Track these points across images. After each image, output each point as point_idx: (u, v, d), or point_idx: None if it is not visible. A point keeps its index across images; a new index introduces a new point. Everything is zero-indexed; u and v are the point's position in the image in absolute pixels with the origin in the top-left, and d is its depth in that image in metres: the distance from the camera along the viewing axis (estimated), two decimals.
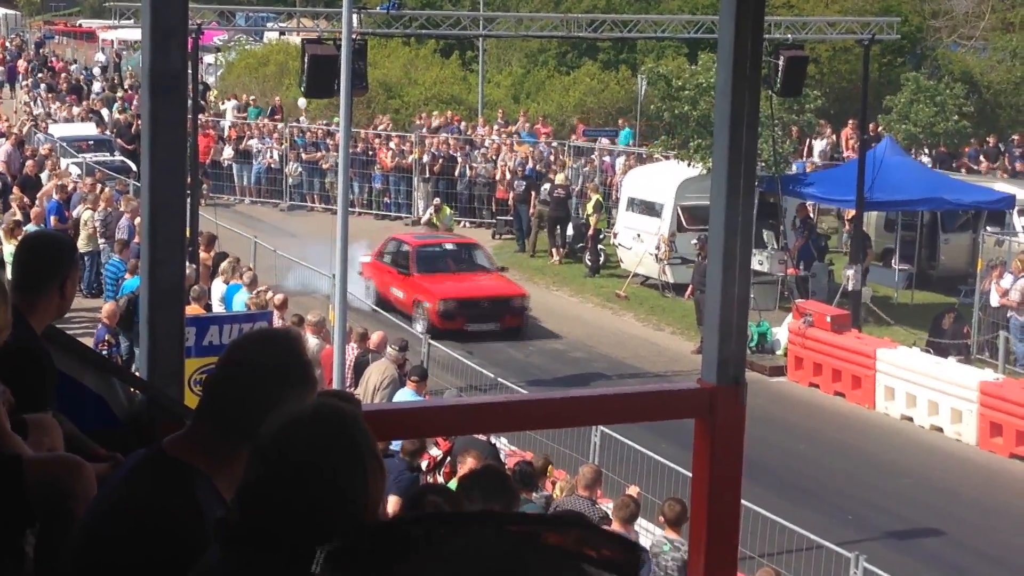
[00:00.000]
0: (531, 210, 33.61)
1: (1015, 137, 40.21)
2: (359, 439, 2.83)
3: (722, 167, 5.57)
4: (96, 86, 52.37)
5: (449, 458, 13.99)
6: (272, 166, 38.35)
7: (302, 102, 38.89)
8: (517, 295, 26.93)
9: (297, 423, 2.82)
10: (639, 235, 30.23)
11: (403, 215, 36.44)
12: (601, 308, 27.91)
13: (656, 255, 29.46)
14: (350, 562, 1.19)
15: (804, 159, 37.11)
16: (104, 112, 45.36)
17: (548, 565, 1.10)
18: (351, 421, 2.84)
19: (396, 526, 1.23)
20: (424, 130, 38.92)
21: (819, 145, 38.22)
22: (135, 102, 44.41)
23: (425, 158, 36.55)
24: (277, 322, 17.60)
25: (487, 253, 29.12)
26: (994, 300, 24.75)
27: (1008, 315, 24.42)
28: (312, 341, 17.88)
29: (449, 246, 28.98)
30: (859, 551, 14.44)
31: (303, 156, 38.07)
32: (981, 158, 38.43)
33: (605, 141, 39.32)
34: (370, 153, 37.58)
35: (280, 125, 39.64)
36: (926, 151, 37.72)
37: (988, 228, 28.45)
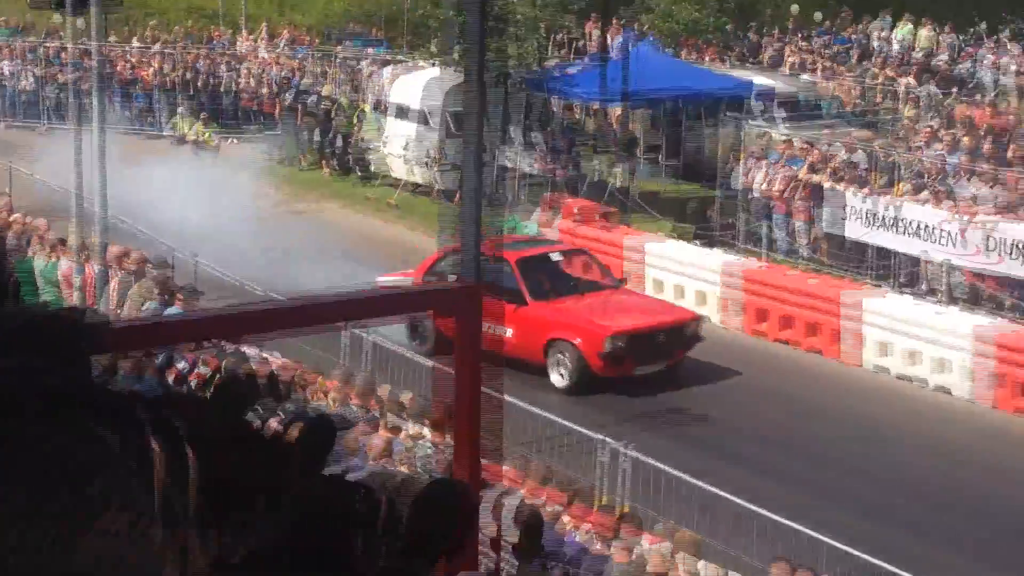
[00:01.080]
0: (298, 122, 33.23)
1: (774, 32, 41.11)
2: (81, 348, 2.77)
3: (472, 68, 5.59)
4: None
5: (219, 375, 13.84)
6: (28, 88, 37.07)
7: (57, 18, 37.49)
8: (692, 320, 20.00)
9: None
10: (408, 144, 30.13)
11: (167, 134, 35.61)
12: (372, 217, 27.77)
13: (427, 162, 29.43)
14: None
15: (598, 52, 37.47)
16: None
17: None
18: (69, 328, 2.78)
19: None
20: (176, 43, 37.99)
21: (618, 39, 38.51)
22: None
23: (188, 74, 35.73)
24: (36, 246, 17.18)
25: (599, 261, 21.39)
26: (756, 188, 25.40)
27: (771, 204, 25.10)
28: (64, 263, 17.53)
29: (555, 255, 20.75)
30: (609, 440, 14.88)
31: (60, 78, 36.85)
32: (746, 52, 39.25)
33: (371, 51, 39.03)
34: (131, 71, 36.59)
35: (34, 44, 38.26)
36: (717, 48, 38.40)
37: (748, 120, 29.05)
